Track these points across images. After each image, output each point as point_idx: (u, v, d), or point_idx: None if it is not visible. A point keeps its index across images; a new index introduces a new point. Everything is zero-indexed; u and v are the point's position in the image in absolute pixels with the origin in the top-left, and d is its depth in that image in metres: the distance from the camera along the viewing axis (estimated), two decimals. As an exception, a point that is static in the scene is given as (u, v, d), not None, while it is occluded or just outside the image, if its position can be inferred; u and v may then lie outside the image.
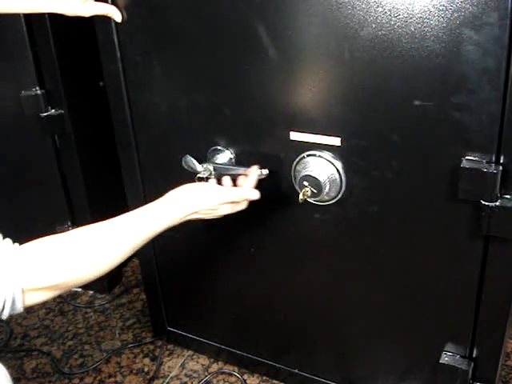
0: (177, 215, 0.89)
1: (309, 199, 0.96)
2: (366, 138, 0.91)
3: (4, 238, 0.73)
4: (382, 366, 1.13)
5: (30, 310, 1.56)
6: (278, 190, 1.03)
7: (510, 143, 0.79)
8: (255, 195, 0.94)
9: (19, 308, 0.71)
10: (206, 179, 1.02)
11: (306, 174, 0.94)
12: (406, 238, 0.96)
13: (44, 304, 1.58)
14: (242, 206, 0.96)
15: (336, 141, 0.93)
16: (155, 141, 1.13)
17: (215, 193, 0.92)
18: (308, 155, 0.95)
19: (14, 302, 0.69)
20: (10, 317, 0.72)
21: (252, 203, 1.07)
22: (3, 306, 0.69)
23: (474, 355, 0.99)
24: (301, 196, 0.94)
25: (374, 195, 0.95)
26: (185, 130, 1.08)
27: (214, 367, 1.33)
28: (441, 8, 0.76)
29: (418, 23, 0.78)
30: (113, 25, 1.02)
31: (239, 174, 1.00)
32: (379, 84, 0.85)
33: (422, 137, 0.86)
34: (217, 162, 1.03)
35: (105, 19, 1.00)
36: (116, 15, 0.99)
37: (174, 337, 1.39)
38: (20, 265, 0.70)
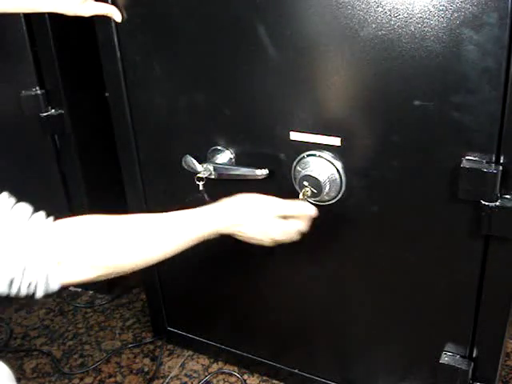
0: (222, 224, 0.83)
1: (309, 199, 0.96)
2: (366, 137, 0.91)
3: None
4: (382, 366, 1.13)
5: (29, 309, 1.57)
6: (278, 190, 1.02)
7: (510, 143, 0.79)
8: (312, 210, 0.87)
9: (54, 283, 0.67)
10: (206, 179, 1.02)
11: (306, 174, 0.94)
12: (406, 238, 0.96)
13: (44, 304, 1.59)
14: (294, 233, 0.87)
15: (336, 141, 0.93)
16: (155, 141, 1.13)
17: (268, 202, 0.86)
18: (308, 155, 0.95)
19: (47, 276, 0.66)
20: (45, 295, 0.68)
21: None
22: (37, 281, 0.66)
23: (473, 355, 0.99)
24: (301, 196, 0.94)
25: (374, 195, 0.95)
26: (185, 130, 1.08)
27: (214, 367, 1.33)
28: (441, 8, 0.76)
29: (418, 23, 0.78)
30: (113, 25, 1.02)
31: (239, 175, 1.00)
32: (379, 84, 0.85)
33: (421, 137, 0.86)
34: (217, 162, 1.03)
35: (105, 19, 1.00)
36: (116, 15, 0.99)
37: (173, 337, 1.39)
38: (55, 236, 0.67)
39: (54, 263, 0.67)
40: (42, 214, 0.69)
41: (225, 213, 0.84)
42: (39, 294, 0.68)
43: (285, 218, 0.87)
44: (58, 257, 0.67)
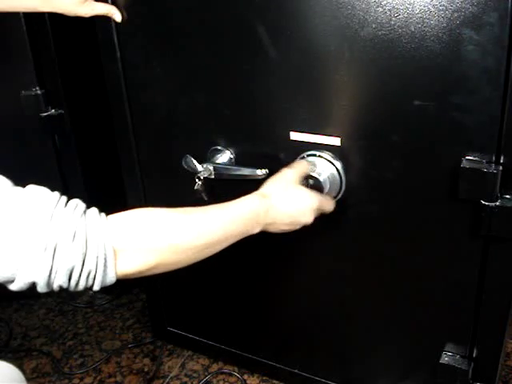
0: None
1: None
2: (366, 137, 0.91)
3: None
4: (382, 366, 1.13)
5: (30, 309, 1.57)
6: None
7: (510, 143, 0.79)
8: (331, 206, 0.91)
9: (112, 272, 0.66)
10: (206, 179, 1.02)
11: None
12: (406, 238, 0.96)
13: (44, 304, 1.59)
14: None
15: (336, 141, 0.93)
16: (155, 141, 1.13)
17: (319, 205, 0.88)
18: (308, 155, 0.95)
19: (105, 264, 0.65)
20: (101, 288, 0.67)
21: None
22: (96, 270, 0.64)
23: (474, 355, 0.99)
24: None
25: (374, 195, 0.95)
26: (185, 130, 1.08)
27: (214, 367, 1.33)
28: (441, 8, 0.76)
29: (418, 23, 0.78)
30: (113, 25, 1.02)
31: (239, 175, 1.00)
32: (379, 84, 0.85)
33: (422, 137, 0.86)
34: (217, 162, 1.03)
35: (105, 19, 1.00)
36: (116, 15, 0.99)
37: (173, 337, 1.39)
38: (111, 225, 0.66)
39: (111, 250, 0.65)
40: (95, 208, 0.68)
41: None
42: (96, 286, 0.66)
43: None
44: (115, 244, 0.66)
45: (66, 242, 0.62)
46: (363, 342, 1.12)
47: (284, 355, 1.24)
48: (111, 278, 0.67)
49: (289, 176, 0.88)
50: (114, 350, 1.40)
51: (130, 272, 0.70)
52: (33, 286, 0.63)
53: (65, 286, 0.64)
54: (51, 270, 0.62)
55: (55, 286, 0.64)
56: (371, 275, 1.03)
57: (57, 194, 0.66)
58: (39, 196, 0.64)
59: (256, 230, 0.84)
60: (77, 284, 0.65)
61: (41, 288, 0.63)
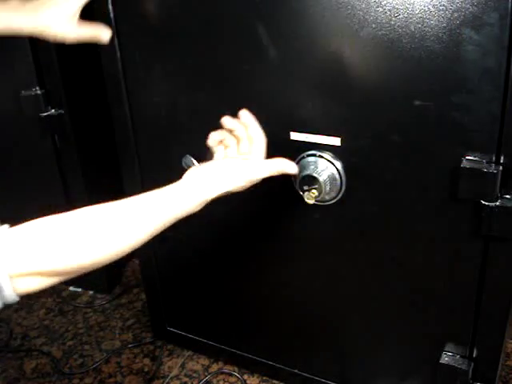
0: (207, 196, 0.80)
1: (311, 200, 0.96)
2: (366, 137, 0.91)
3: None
4: (382, 366, 1.13)
5: (29, 309, 1.57)
6: (277, 190, 1.02)
7: (510, 143, 0.79)
8: (293, 168, 0.85)
9: (10, 296, 0.62)
10: None
11: (306, 174, 0.94)
12: (406, 238, 0.96)
13: (44, 304, 1.59)
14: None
15: (336, 141, 0.93)
16: (155, 141, 1.13)
17: (249, 171, 0.83)
18: (308, 155, 0.95)
19: (1, 289, 0.61)
20: (4, 307, 0.63)
21: (252, 203, 1.07)
22: None
23: (474, 355, 0.99)
24: (306, 198, 0.93)
25: (374, 195, 0.95)
26: (185, 130, 1.08)
27: (214, 367, 1.33)
28: (441, 8, 0.76)
29: (418, 23, 0.78)
30: (113, 25, 1.02)
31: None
32: (379, 84, 0.85)
33: (421, 137, 0.86)
34: (217, 161, 1.03)
35: (105, 19, 1.00)
36: (104, 36, 0.94)
37: (173, 337, 1.39)
38: (7, 247, 0.62)
39: (5, 276, 0.62)
40: None
41: (209, 185, 0.80)
42: None
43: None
44: (8, 269, 0.62)
45: None
46: (363, 341, 1.12)
47: (284, 355, 1.24)
48: (11, 299, 0.63)
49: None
50: (114, 349, 1.40)
51: (34, 290, 0.66)
52: None
53: None
54: None
55: None
56: (371, 275, 1.03)
57: None
58: None
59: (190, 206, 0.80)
60: None
61: None
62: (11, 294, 0.62)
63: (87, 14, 1.06)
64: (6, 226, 0.65)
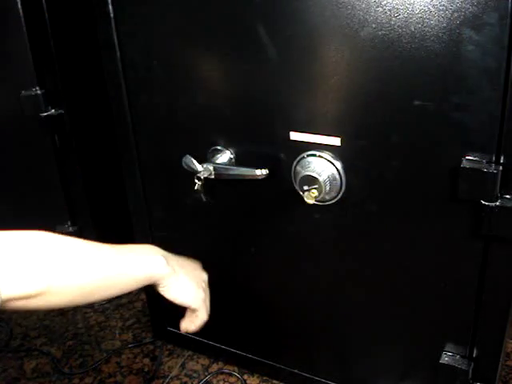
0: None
1: (311, 200, 0.96)
2: (366, 137, 0.91)
3: None
4: (382, 366, 1.13)
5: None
6: (277, 190, 1.03)
7: (510, 143, 0.79)
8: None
9: None
10: (206, 179, 1.02)
11: (306, 174, 0.94)
12: (406, 238, 0.96)
13: (44, 304, 1.58)
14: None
15: (336, 141, 0.93)
16: (155, 141, 1.13)
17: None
18: (308, 155, 0.95)
19: None
20: None
21: (252, 203, 1.07)
22: None
23: (474, 355, 0.99)
24: (306, 198, 0.93)
25: (373, 195, 0.95)
26: (185, 130, 1.08)
27: (214, 367, 1.33)
28: (441, 8, 0.76)
29: (418, 23, 0.78)
30: (113, 25, 1.02)
31: (239, 175, 1.00)
32: (379, 84, 0.85)
33: (421, 137, 0.86)
34: (217, 162, 1.03)
35: (105, 19, 1.00)
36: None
37: (173, 337, 1.39)
38: None
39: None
40: None
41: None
42: None
43: None
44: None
45: None
46: (363, 341, 1.12)
47: (284, 355, 1.24)
48: None
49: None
50: (114, 349, 1.40)
51: (11, 296, 0.67)
52: None
53: None
54: None
55: None
56: (371, 275, 1.03)
57: None
58: None
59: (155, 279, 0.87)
60: None
61: None
62: None
63: (87, 14, 1.06)
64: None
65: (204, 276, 1.03)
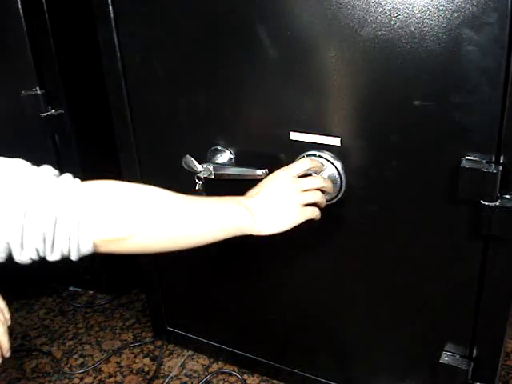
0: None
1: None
2: (366, 137, 0.91)
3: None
4: (382, 366, 1.13)
5: (30, 309, 1.57)
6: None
7: (510, 143, 0.80)
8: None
9: (87, 238, 0.66)
10: (206, 179, 1.02)
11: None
12: (406, 238, 0.96)
13: (44, 304, 1.58)
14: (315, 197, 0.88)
15: (336, 141, 0.93)
16: (155, 141, 1.13)
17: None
18: (308, 155, 0.95)
19: (79, 228, 0.65)
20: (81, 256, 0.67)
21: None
22: (69, 233, 0.64)
23: (474, 355, 0.99)
24: None
25: (373, 195, 0.95)
26: (185, 130, 1.08)
27: (214, 367, 1.33)
28: (441, 8, 0.76)
29: (418, 23, 0.78)
30: (113, 25, 1.02)
31: (239, 174, 1.00)
32: (379, 84, 0.85)
33: (421, 137, 0.86)
34: (217, 162, 1.03)
35: (105, 19, 1.00)
36: None
37: (174, 337, 1.39)
38: (86, 190, 0.67)
39: (85, 214, 0.65)
40: (69, 174, 0.70)
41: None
42: (73, 253, 0.66)
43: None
44: (89, 209, 0.66)
45: (36, 204, 0.64)
46: (363, 341, 1.12)
47: (284, 355, 1.25)
48: (87, 244, 0.67)
49: (279, 178, 0.87)
50: (114, 349, 1.40)
51: (105, 240, 0.69)
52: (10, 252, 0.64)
53: (40, 249, 0.65)
54: (23, 229, 0.63)
55: (31, 250, 0.64)
56: (371, 275, 1.03)
57: (37, 168, 0.71)
58: (21, 166, 0.69)
59: (240, 231, 0.85)
60: (52, 248, 0.65)
61: (17, 253, 0.64)
62: (87, 237, 0.66)
63: (87, 14, 1.06)
64: (78, 179, 0.70)
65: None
